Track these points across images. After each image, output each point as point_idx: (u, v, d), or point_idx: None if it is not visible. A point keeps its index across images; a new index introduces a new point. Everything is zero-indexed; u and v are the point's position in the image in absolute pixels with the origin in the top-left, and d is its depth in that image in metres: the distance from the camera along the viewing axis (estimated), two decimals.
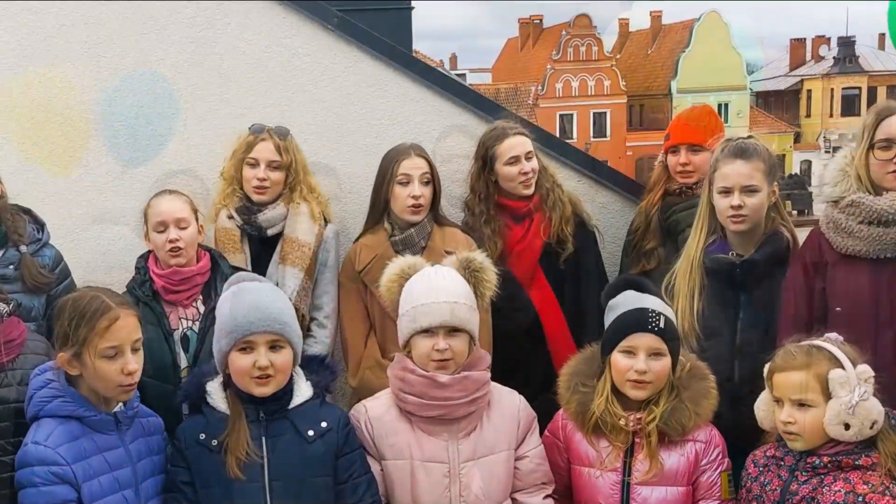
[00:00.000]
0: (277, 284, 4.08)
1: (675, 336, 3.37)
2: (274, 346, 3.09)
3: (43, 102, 4.73)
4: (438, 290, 3.25)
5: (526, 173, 4.32)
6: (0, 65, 4.70)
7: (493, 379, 3.39)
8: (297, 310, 4.01)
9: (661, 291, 3.78)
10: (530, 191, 4.36)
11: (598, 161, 5.23)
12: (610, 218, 4.98)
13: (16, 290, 3.75)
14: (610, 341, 3.36)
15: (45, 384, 3.01)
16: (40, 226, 4.06)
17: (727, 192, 3.71)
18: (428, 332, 3.22)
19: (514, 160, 4.33)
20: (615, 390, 3.34)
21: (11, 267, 3.81)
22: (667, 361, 3.30)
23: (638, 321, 3.30)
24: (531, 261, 4.38)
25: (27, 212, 4.07)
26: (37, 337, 3.48)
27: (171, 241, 3.84)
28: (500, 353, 3.87)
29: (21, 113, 4.73)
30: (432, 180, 4.25)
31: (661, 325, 3.29)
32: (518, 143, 4.36)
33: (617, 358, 3.32)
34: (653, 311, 3.31)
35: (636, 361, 3.28)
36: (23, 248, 3.87)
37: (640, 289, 3.44)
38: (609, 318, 3.40)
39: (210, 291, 3.92)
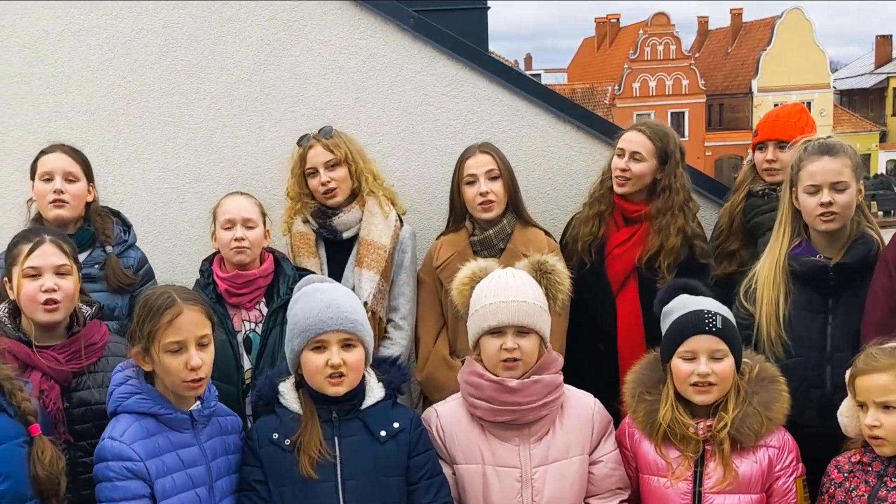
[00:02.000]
0: (354, 288, 4.09)
1: (735, 335, 3.28)
2: (346, 345, 3.08)
3: (122, 106, 4.81)
4: (507, 290, 3.22)
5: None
6: (82, 69, 4.80)
7: None
8: (373, 313, 4.07)
9: (741, 296, 3.72)
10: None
11: None
12: None
13: (100, 289, 3.82)
14: (669, 347, 3.29)
15: (125, 381, 3.05)
16: (127, 227, 4.14)
17: (815, 189, 3.58)
18: (496, 331, 3.20)
19: (620, 153, 4.24)
20: (680, 397, 3.27)
21: (97, 267, 3.89)
22: (729, 362, 3.22)
23: (695, 323, 3.23)
24: (625, 267, 4.25)
25: (116, 213, 4.16)
26: (118, 339, 3.52)
27: (236, 240, 3.85)
28: (572, 352, 3.84)
29: (102, 116, 4.80)
30: (501, 175, 4.18)
31: (719, 325, 3.22)
32: (628, 138, 4.25)
33: (677, 363, 3.25)
34: (709, 311, 3.24)
35: (697, 365, 3.21)
36: (108, 249, 3.95)
37: (694, 292, 3.37)
38: (665, 325, 3.34)
39: (273, 294, 3.92)
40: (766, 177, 4.35)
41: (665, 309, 3.36)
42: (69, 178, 3.92)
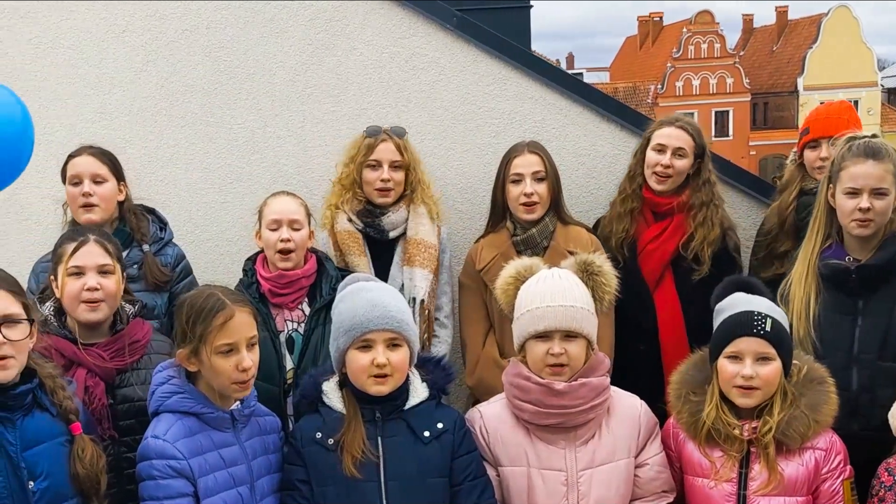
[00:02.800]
0: (402, 286, 4.11)
1: (785, 339, 3.22)
2: (392, 345, 3.07)
3: (165, 106, 4.83)
4: (554, 294, 3.18)
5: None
6: (126, 69, 4.83)
7: None
8: (427, 311, 4.09)
9: (778, 296, 3.66)
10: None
11: (723, 159, 5.04)
12: (736, 218, 4.78)
13: (140, 288, 3.86)
14: (716, 346, 3.25)
15: (166, 380, 3.06)
16: (163, 225, 4.17)
17: (855, 193, 3.52)
18: (543, 336, 3.17)
19: (660, 148, 4.22)
20: (725, 397, 3.23)
21: (135, 266, 3.91)
22: (776, 366, 3.17)
23: (743, 324, 3.18)
24: (660, 262, 4.25)
25: (151, 211, 4.19)
26: (160, 337, 3.56)
27: (282, 241, 3.84)
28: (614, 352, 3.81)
29: (145, 116, 4.83)
30: (547, 177, 4.16)
31: (768, 327, 3.16)
32: (669, 134, 4.22)
33: (723, 363, 3.21)
34: (759, 313, 3.18)
35: (742, 367, 3.16)
36: (145, 248, 3.99)
37: (750, 290, 3.32)
38: (716, 322, 3.30)
39: (315, 294, 3.92)
40: (817, 175, 4.28)
41: (718, 306, 3.32)
42: (97, 180, 3.96)
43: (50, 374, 2.92)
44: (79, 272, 3.29)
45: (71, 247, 3.32)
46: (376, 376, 3.04)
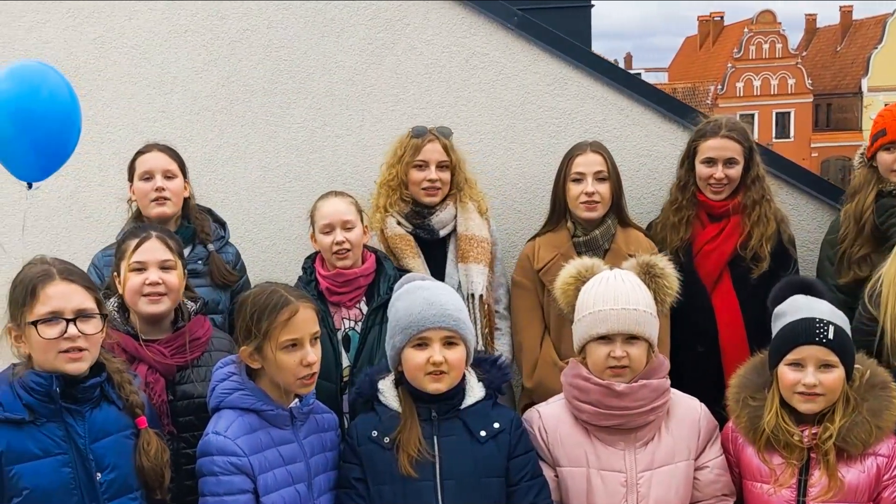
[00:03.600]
0: (459, 283, 4.11)
1: (848, 345, 3.15)
2: (448, 343, 3.07)
3: (226, 106, 4.86)
4: (617, 296, 3.16)
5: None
6: (187, 69, 4.87)
7: None
8: (486, 305, 4.10)
9: (865, 298, 3.59)
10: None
11: (787, 160, 4.95)
12: (801, 221, 4.76)
13: (203, 284, 3.92)
14: (776, 353, 3.19)
15: (227, 377, 3.08)
16: (221, 224, 4.23)
17: None
18: (605, 338, 3.14)
19: (710, 161, 4.21)
20: (785, 403, 3.17)
21: (200, 262, 3.98)
22: (838, 373, 3.11)
23: (805, 332, 3.12)
24: (718, 263, 4.21)
25: (208, 211, 4.25)
26: (221, 334, 3.61)
27: (337, 244, 3.85)
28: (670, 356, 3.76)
29: (206, 115, 4.86)
30: (609, 178, 4.14)
31: (830, 335, 3.10)
32: (718, 146, 4.21)
33: (784, 371, 3.15)
34: (821, 320, 3.12)
35: (804, 375, 3.11)
36: (210, 247, 4.05)
37: (810, 292, 3.27)
38: (776, 327, 3.24)
39: (373, 293, 3.92)
40: (893, 178, 4.18)
41: (777, 310, 3.26)
42: (168, 175, 4.02)
43: (118, 369, 2.96)
44: (141, 267, 3.34)
45: (133, 242, 3.38)
46: (432, 374, 3.04)
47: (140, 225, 3.81)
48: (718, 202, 4.23)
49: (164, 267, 3.36)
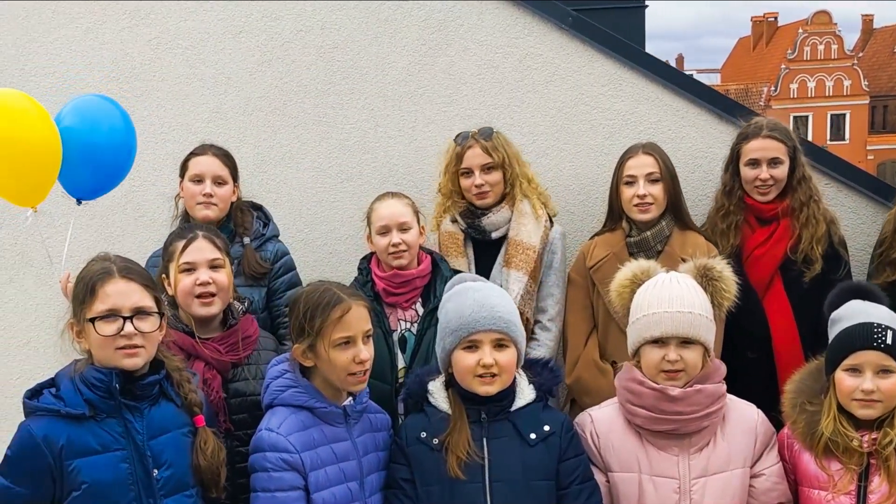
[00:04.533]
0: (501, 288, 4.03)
1: None
2: (499, 345, 3.05)
3: (279, 106, 4.88)
4: (672, 299, 3.12)
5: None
6: (241, 70, 4.90)
7: None
8: (521, 313, 3.98)
9: None
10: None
11: (845, 161, 4.85)
12: (860, 224, 4.68)
13: (239, 283, 3.90)
14: (833, 358, 3.14)
15: (281, 374, 3.10)
16: (267, 221, 4.23)
17: None
18: (659, 341, 3.11)
19: (754, 163, 4.17)
20: (842, 409, 3.12)
21: (236, 262, 3.96)
22: None
23: (862, 337, 3.07)
24: (770, 267, 4.17)
25: (259, 207, 4.27)
26: (265, 333, 3.64)
27: (393, 245, 3.86)
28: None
29: (259, 116, 4.88)
30: (662, 179, 4.11)
31: (889, 340, 3.04)
32: (761, 147, 4.16)
33: (841, 377, 3.10)
34: (878, 325, 3.06)
35: (862, 381, 3.05)
36: (245, 241, 4.07)
37: (867, 297, 3.21)
38: (833, 332, 3.18)
39: (430, 294, 3.92)
40: None
41: (834, 315, 3.21)
42: (218, 182, 4.05)
43: (177, 367, 2.99)
44: (190, 268, 3.37)
45: (181, 244, 3.41)
46: (483, 376, 3.03)
47: (186, 225, 3.85)
48: (767, 205, 4.18)
49: (214, 266, 3.39)
